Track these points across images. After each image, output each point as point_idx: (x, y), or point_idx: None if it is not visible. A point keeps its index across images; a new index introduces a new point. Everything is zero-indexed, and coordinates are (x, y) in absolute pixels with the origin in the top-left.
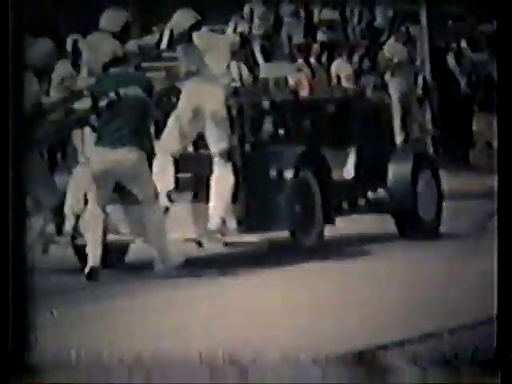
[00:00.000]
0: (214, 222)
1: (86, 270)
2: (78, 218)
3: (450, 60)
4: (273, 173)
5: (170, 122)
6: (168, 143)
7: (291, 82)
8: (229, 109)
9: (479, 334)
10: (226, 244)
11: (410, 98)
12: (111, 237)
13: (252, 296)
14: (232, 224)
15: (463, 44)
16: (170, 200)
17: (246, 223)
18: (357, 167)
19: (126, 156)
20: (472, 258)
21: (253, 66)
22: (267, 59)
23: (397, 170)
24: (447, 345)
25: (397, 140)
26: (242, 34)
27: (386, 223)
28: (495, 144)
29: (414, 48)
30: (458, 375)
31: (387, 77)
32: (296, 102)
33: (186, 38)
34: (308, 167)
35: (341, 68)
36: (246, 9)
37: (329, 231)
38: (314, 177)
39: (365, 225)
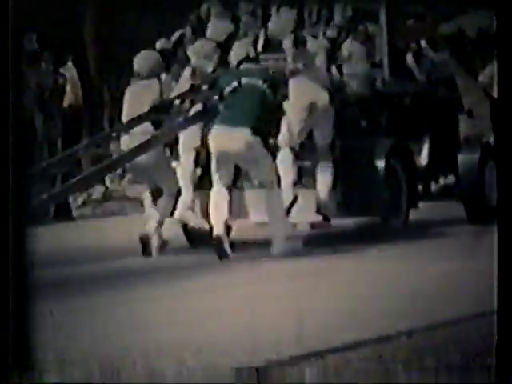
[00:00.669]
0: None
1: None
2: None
3: (410, 59)
4: (366, 163)
5: (289, 117)
6: (288, 137)
7: None
8: None
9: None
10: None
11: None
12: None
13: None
14: (332, 208)
15: (423, 44)
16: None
17: (344, 208)
18: (430, 155)
19: (241, 136)
20: None
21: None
22: None
23: (466, 159)
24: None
25: None
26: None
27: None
28: None
29: (373, 47)
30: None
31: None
32: (375, 95)
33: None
34: (397, 157)
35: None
36: (203, 8)
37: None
38: (402, 166)
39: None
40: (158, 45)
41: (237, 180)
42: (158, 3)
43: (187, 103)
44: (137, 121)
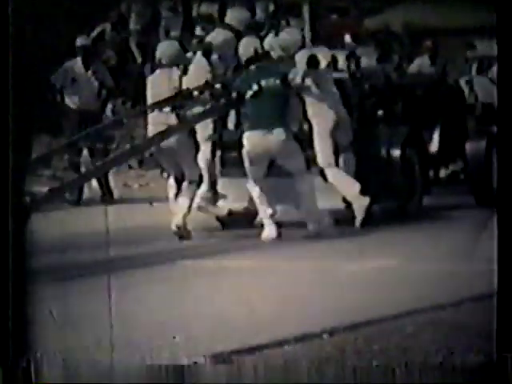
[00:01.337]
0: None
1: (266, 235)
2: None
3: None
4: (383, 151)
5: (320, 141)
6: (328, 157)
7: None
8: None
9: None
10: None
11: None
12: None
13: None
14: None
15: (347, 39)
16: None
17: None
18: (440, 142)
19: (277, 137)
20: None
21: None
22: None
23: (473, 146)
24: None
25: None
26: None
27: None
28: None
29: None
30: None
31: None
32: (390, 86)
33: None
34: (411, 146)
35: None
36: (124, 4)
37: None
38: (416, 154)
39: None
40: (78, 41)
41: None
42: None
43: (206, 95)
44: (159, 105)
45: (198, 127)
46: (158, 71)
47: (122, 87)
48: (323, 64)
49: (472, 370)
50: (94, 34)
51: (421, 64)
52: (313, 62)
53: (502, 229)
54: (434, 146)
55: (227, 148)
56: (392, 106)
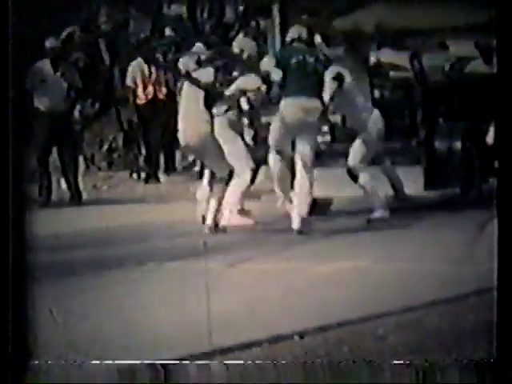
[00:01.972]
0: None
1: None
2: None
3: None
4: (444, 145)
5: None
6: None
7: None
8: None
9: None
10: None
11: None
12: None
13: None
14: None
15: (317, 39)
16: None
17: (428, 183)
18: (496, 135)
19: (312, 104)
20: None
21: None
22: None
23: None
24: None
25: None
26: None
27: None
28: None
29: (264, 43)
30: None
31: (235, 73)
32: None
33: None
34: (471, 138)
35: (188, 64)
36: (94, 6)
37: None
38: (475, 146)
39: None
40: (47, 43)
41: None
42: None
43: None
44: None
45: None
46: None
47: (91, 89)
48: (348, 78)
49: (442, 370)
50: (64, 35)
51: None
52: (338, 79)
53: (502, 229)
54: (490, 139)
55: None
56: (451, 102)
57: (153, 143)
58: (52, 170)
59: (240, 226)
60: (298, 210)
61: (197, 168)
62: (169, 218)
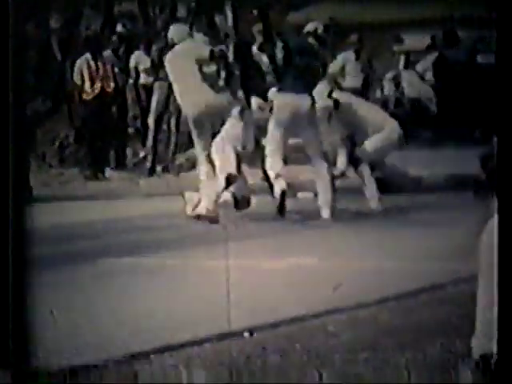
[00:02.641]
0: None
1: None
2: None
3: (257, 51)
4: None
5: None
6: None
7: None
8: None
9: None
10: None
11: None
12: None
13: None
14: None
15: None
16: None
17: None
18: None
19: (303, 101)
20: None
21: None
22: None
23: None
24: None
25: None
26: None
27: None
28: None
29: (215, 38)
30: None
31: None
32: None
33: None
34: None
35: (139, 60)
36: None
37: None
38: None
39: None
40: None
41: None
42: None
43: None
44: None
45: None
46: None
47: (43, 85)
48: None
49: (398, 367)
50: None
51: (346, 58)
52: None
53: (502, 225)
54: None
55: None
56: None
57: (102, 139)
58: None
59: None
60: (323, 201)
61: (148, 164)
62: (117, 215)
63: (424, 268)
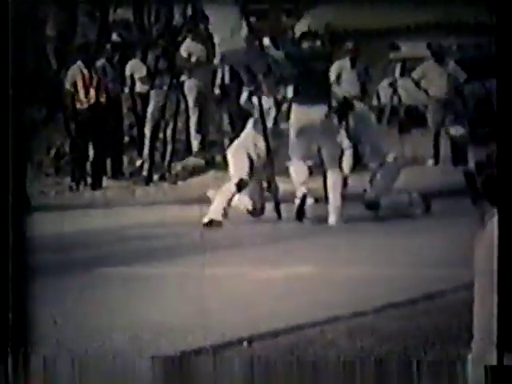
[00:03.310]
0: None
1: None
2: None
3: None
4: None
5: None
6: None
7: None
8: None
9: None
10: None
11: (208, 99)
12: None
13: None
14: None
15: (266, 41)
16: None
17: None
18: None
19: (318, 112)
20: None
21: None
22: None
23: None
24: None
25: (192, 143)
26: None
27: None
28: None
29: (212, 47)
30: None
31: (184, 77)
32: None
33: None
34: None
35: (135, 69)
36: (41, 10)
37: None
38: None
39: None
40: None
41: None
42: None
43: None
44: None
45: None
46: None
47: (39, 93)
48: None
49: (390, 374)
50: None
51: (341, 66)
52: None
53: (502, 229)
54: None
55: None
56: None
57: (99, 148)
58: None
59: None
60: (333, 207)
61: (144, 173)
62: (114, 224)
63: (422, 275)
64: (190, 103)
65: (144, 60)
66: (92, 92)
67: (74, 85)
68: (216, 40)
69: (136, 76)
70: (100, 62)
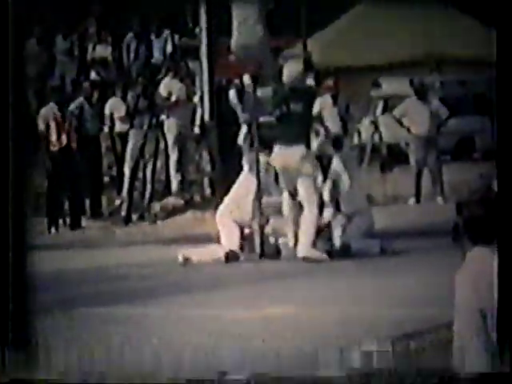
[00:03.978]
0: None
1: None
2: None
3: (232, 97)
4: None
5: None
6: None
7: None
8: None
9: None
10: None
11: (187, 138)
12: None
13: None
14: None
15: (246, 79)
16: None
17: None
18: None
19: (295, 151)
20: None
21: None
22: None
23: None
24: None
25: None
26: None
27: None
28: None
29: (193, 84)
30: None
31: (163, 116)
32: None
33: None
34: None
35: (115, 108)
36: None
37: None
38: None
39: None
40: None
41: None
42: None
43: None
44: None
45: None
46: None
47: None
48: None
49: None
50: None
51: (323, 103)
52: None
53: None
54: None
55: None
56: None
57: (74, 189)
58: None
59: None
60: (303, 240)
61: (123, 212)
62: (94, 264)
63: (403, 315)
64: (170, 143)
65: (124, 98)
66: (63, 136)
67: (47, 126)
68: (234, 32)
69: (115, 115)
70: (78, 101)
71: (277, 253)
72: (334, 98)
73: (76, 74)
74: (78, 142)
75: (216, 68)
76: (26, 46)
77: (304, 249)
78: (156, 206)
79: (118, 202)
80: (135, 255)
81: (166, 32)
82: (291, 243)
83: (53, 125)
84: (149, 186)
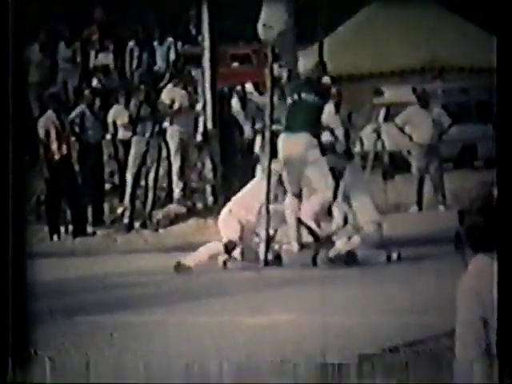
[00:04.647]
0: None
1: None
2: None
3: (235, 104)
4: None
5: None
6: None
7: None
8: None
9: None
10: None
11: (189, 145)
12: None
13: None
14: None
15: (248, 87)
16: None
17: None
18: None
19: (300, 139)
20: None
21: None
22: None
23: None
24: None
25: (174, 190)
26: None
27: None
28: None
29: (195, 92)
30: None
31: (166, 124)
32: None
33: None
34: None
35: (118, 115)
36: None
37: None
38: None
39: None
40: None
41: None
42: None
43: None
44: None
45: None
46: None
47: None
48: None
49: None
50: None
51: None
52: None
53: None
54: None
55: None
56: None
57: (75, 197)
58: None
59: None
60: (306, 208)
61: (125, 220)
62: (96, 272)
63: (405, 323)
64: (172, 150)
65: (126, 106)
66: (63, 145)
67: (47, 134)
68: (262, 13)
69: (118, 122)
70: (80, 108)
71: (278, 260)
72: (337, 106)
73: (78, 81)
74: (79, 150)
75: (219, 76)
76: (29, 52)
77: (305, 216)
78: (158, 214)
79: (120, 209)
80: (137, 263)
81: (169, 40)
82: (295, 249)
83: (53, 133)
84: (151, 194)
